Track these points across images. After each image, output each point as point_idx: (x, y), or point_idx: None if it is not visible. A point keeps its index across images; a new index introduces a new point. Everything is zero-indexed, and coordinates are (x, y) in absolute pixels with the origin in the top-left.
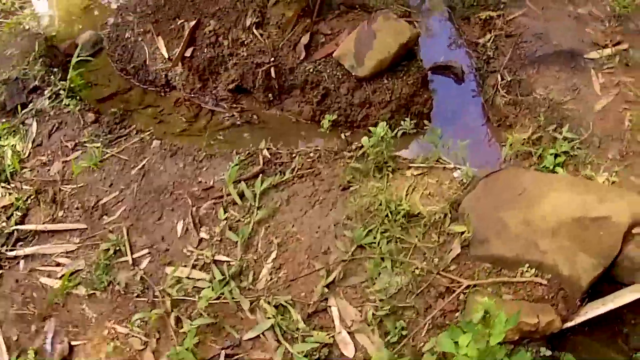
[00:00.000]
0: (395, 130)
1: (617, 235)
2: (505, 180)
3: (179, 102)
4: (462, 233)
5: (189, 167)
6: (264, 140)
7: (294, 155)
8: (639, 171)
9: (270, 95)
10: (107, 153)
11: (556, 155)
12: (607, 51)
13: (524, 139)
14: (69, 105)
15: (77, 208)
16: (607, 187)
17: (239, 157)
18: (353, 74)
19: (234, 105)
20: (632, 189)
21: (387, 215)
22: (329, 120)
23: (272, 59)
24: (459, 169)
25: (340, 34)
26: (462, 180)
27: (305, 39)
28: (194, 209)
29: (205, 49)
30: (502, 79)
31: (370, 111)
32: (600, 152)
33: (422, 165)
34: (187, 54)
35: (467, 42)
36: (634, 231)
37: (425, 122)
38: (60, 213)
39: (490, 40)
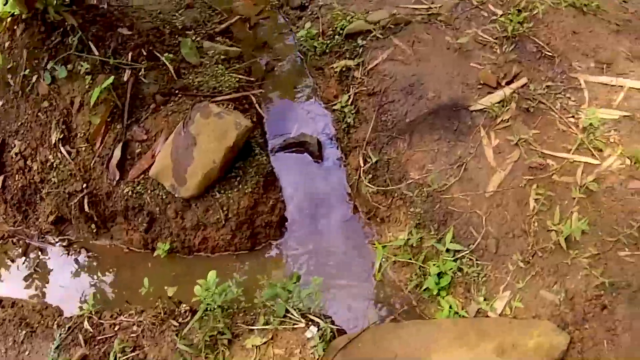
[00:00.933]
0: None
1: None
2: (369, 347)
3: (4, 238)
4: None
5: (11, 353)
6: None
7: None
8: (551, 278)
9: (93, 225)
10: None
11: (440, 274)
12: (500, 94)
13: (400, 246)
14: None
15: None
16: (509, 322)
17: (60, 335)
18: (176, 195)
19: (61, 238)
20: (544, 312)
21: None
22: (163, 250)
23: (85, 185)
24: (314, 325)
25: (157, 137)
26: (315, 346)
27: (117, 154)
28: None
29: (16, 176)
30: (366, 162)
31: (208, 233)
32: (499, 261)
33: (266, 327)
34: None
35: (325, 102)
36: None
37: (274, 241)
38: None
39: (349, 101)
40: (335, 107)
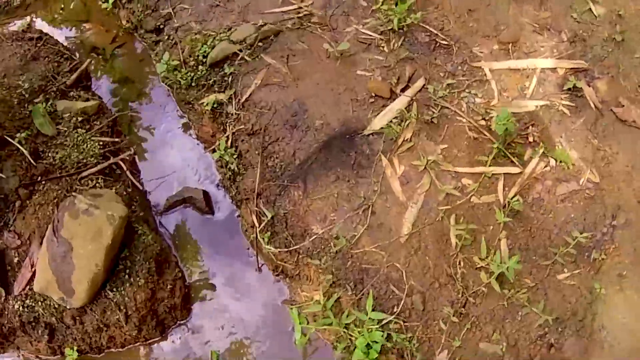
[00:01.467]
0: None
1: None
2: None
3: None
4: None
5: None
6: None
7: None
8: (489, 326)
9: None
10: None
11: (369, 345)
12: (396, 105)
13: (317, 311)
14: None
15: None
16: None
17: None
18: (67, 307)
19: None
20: None
21: None
22: (71, 356)
23: None
24: None
25: (32, 239)
26: None
27: None
28: None
29: None
30: (261, 219)
31: (112, 332)
32: (429, 318)
33: None
34: None
35: (202, 141)
36: None
37: (182, 321)
38: None
39: (228, 143)
40: (214, 151)
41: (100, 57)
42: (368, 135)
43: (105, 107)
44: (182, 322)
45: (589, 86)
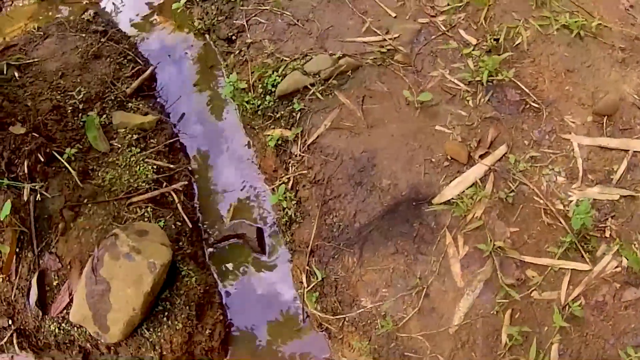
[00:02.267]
0: None
1: None
2: None
3: None
4: None
5: None
6: None
7: None
8: None
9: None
10: None
11: None
12: (472, 174)
13: None
14: None
15: None
16: None
17: None
18: (102, 341)
19: None
20: None
21: None
22: None
23: (10, 320)
24: None
25: (72, 264)
26: None
27: (34, 290)
28: None
29: None
30: (310, 278)
31: None
32: None
33: None
34: None
35: (263, 173)
36: None
37: None
38: None
39: (289, 185)
40: (273, 190)
41: (169, 57)
42: (436, 209)
43: (165, 122)
44: None
45: None
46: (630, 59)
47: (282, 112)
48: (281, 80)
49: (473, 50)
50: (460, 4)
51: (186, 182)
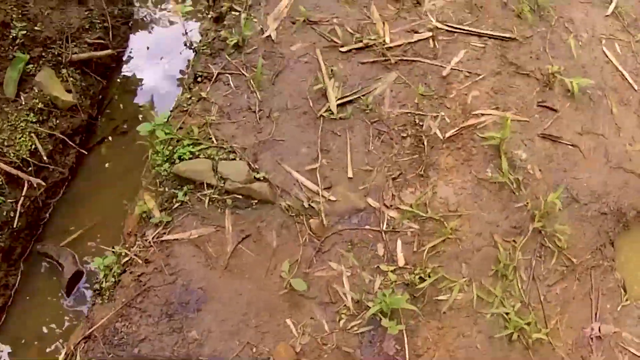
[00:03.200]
0: None
1: None
2: None
3: None
4: None
5: None
6: None
7: None
8: None
9: None
10: None
11: None
12: None
13: None
14: None
15: None
16: None
17: None
18: None
19: None
20: None
21: None
22: None
23: None
24: None
25: None
26: None
27: None
28: None
29: None
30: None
31: None
32: None
33: None
34: None
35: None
36: None
37: None
38: None
39: (122, 262)
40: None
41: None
42: None
43: (77, 111)
44: None
45: None
46: None
47: (166, 189)
48: (188, 159)
49: (392, 273)
50: None
51: (48, 186)
